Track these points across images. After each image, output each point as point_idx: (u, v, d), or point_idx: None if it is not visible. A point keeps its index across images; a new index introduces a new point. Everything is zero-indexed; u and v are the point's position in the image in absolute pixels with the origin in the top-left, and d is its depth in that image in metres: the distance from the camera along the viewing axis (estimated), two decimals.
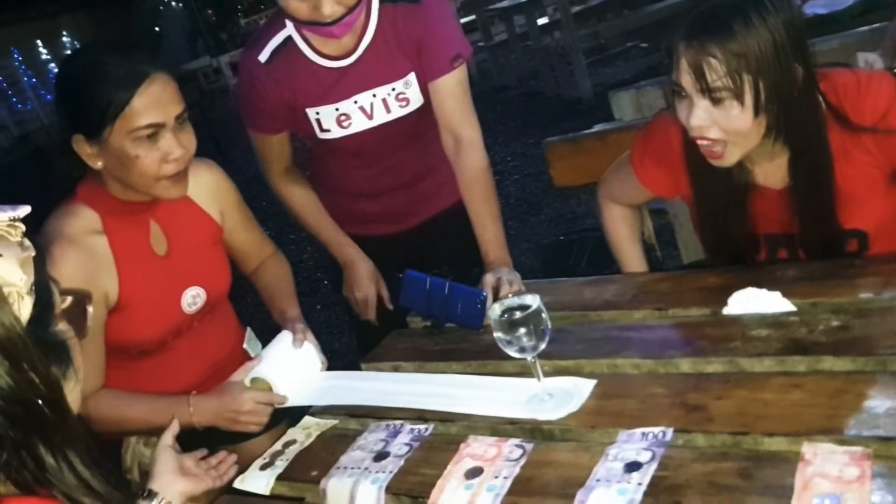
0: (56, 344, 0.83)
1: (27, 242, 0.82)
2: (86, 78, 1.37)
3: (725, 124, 1.35)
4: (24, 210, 0.84)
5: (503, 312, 1.25)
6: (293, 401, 1.51)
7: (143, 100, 1.36)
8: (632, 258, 1.82)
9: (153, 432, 1.50)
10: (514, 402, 1.29)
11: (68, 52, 13.56)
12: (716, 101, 1.34)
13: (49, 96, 13.29)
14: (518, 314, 1.23)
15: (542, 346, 1.24)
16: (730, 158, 1.41)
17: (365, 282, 2.08)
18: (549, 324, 1.24)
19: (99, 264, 1.44)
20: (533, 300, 1.25)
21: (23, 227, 0.83)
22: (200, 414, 1.45)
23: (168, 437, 1.33)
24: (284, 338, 1.55)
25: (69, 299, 0.87)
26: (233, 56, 11.68)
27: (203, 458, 1.35)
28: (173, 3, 15.36)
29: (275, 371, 1.50)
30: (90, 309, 0.91)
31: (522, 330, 1.22)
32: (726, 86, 1.31)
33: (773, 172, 1.48)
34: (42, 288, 0.82)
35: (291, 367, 1.52)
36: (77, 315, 0.89)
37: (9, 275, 0.78)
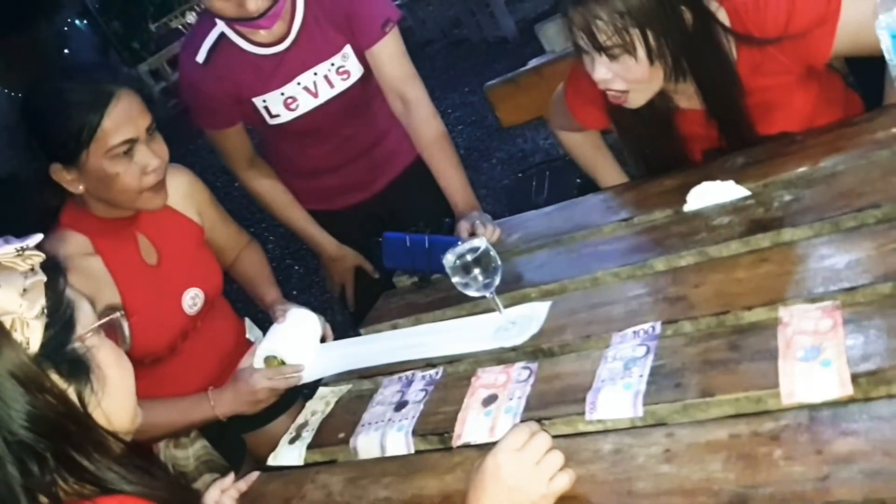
0: (73, 360, 0.83)
1: (37, 269, 0.83)
2: (52, 108, 1.40)
3: (626, 76, 1.44)
4: (35, 239, 0.85)
5: (456, 259, 1.34)
6: (304, 377, 1.58)
7: (114, 119, 1.39)
8: (607, 174, 1.87)
9: (180, 433, 1.56)
10: (483, 336, 1.39)
11: None
12: (612, 57, 1.41)
13: None
14: (469, 257, 1.34)
15: (497, 281, 1.35)
16: (635, 103, 1.50)
17: (339, 273, 2.15)
18: (499, 261, 1.35)
19: (99, 284, 1.48)
20: (480, 242, 1.36)
21: (38, 257, 0.84)
22: (221, 406, 1.52)
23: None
24: (287, 315, 1.61)
25: (96, 320, 0.89)
26: (151, 63, 11.41)
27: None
28: (77, 22, 14.91)
29: (282, 344, 1.56)
30: (123, 322, 0.93)
31: (476, 270, 1.34)
32: (616, 43, 1.39)
33: (693, 95, 1.54)
34: (56, 309, 0.83)
35: (298, 337, 1.58)
36: (113, 329, 0.91)
37: (8, 303, 0.79)
